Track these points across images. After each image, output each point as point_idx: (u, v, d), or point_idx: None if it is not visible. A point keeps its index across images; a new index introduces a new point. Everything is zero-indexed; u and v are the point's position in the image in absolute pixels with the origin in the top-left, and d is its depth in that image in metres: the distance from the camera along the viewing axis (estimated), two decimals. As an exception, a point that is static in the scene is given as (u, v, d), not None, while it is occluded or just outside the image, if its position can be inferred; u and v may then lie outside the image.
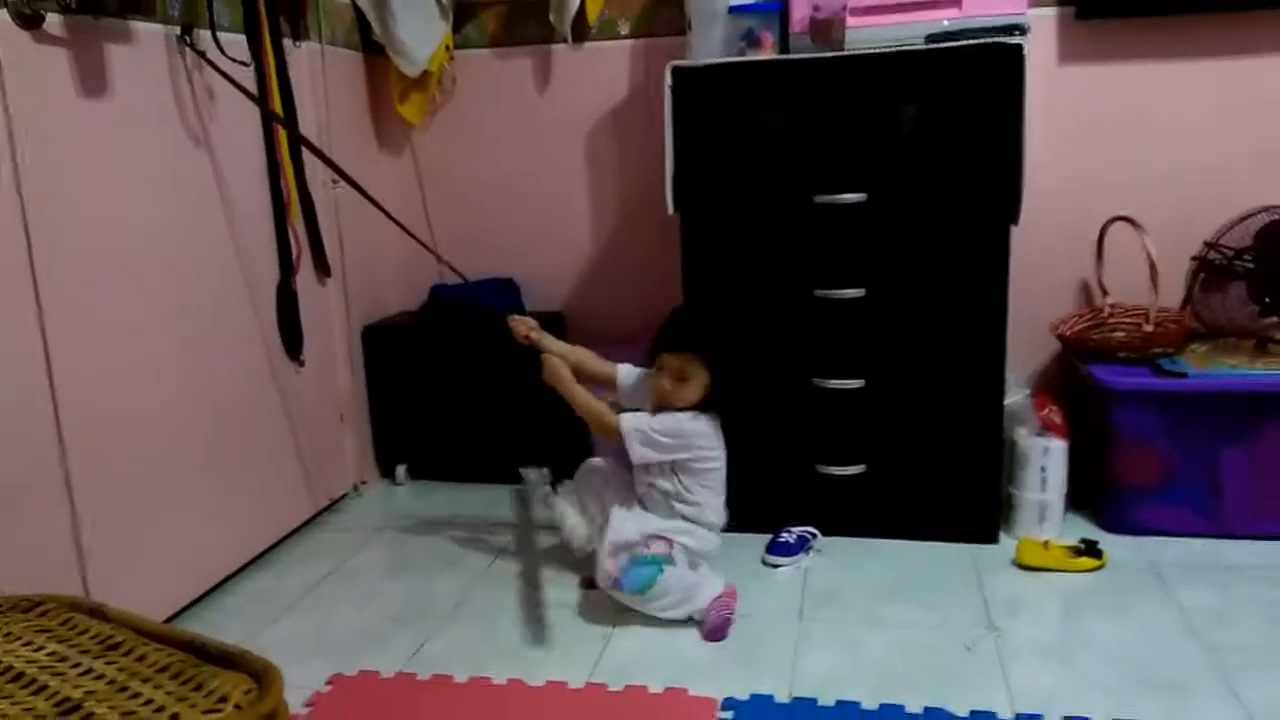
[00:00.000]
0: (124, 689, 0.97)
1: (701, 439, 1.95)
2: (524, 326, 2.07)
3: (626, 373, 2.08)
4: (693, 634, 1.85)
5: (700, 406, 1.95)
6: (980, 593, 1.96)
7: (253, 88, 2.10)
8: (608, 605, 1.92)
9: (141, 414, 1.84)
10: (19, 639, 1.07)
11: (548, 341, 2.06)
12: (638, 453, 1.92)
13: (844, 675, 1.68)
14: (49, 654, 1.04)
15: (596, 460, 2.10)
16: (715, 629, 1.85)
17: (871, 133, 2.03)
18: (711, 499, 1.99)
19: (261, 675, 0.97)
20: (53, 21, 1.62)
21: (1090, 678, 1.65)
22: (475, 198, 2.79)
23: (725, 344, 1.99)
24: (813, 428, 2.20)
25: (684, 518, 1.96)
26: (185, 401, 1.96)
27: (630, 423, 1.92)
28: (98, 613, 1.12)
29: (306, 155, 2.29)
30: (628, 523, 1.92)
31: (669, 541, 1.92)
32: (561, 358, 2.04)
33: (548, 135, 2.71)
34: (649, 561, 1.87)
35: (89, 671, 1.00)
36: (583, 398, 1.99)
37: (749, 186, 2.11)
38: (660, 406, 1.96)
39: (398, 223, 2.17)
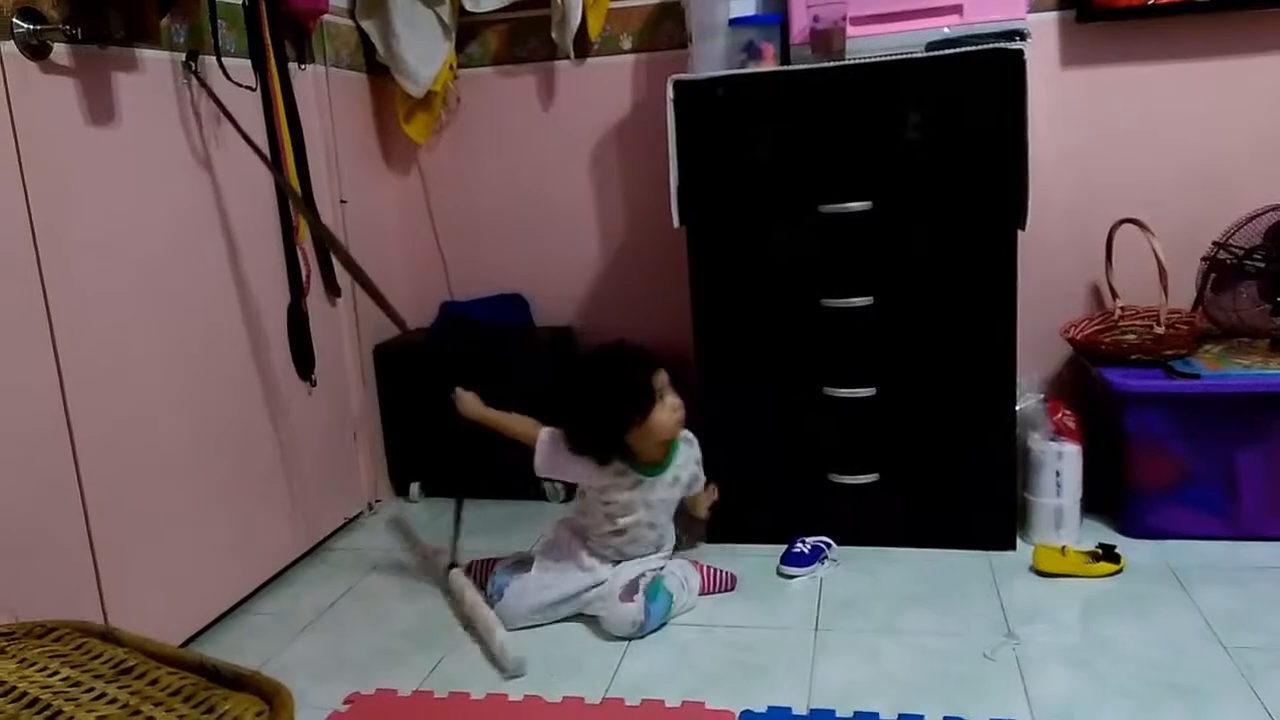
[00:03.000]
0: (137, 713, 0.97)
1: None
2: (466, 405, 2.10)
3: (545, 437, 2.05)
4: (709, 647, 1.85)
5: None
6: (998, 600, 1.94)
7: (259, 112, 2.12)
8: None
9: (156, 438, 1.85)
10: (34, 665, 1.08)
11: (494, 416, 2.11)
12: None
13: (862, 686, 1.67)
14: (63, 679, 1.04)
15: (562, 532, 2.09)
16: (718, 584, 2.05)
17: (875, 141, 2.03)
18: None
19: (273, 697, 0.97)
20: (59, 51, 1.64)
21: (1111, 683, 1.63)
22: (483, 215, 2.81)
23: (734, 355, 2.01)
24: (825, 437, 2.19)
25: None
26: (199, 425, 1.97)
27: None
28: (110, 637, 1.12)
29: (314, 175, 2.31)
30: (623, 570, 1.97)
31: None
32: (508, 428, 2.10)
33: (553, 151, 2.72)
34: (655, 589, 1.92)
35: (102, 696, 1.00)
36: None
37: (754, 197, 2.11)
38: (665, 441, 2.01)
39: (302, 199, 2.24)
